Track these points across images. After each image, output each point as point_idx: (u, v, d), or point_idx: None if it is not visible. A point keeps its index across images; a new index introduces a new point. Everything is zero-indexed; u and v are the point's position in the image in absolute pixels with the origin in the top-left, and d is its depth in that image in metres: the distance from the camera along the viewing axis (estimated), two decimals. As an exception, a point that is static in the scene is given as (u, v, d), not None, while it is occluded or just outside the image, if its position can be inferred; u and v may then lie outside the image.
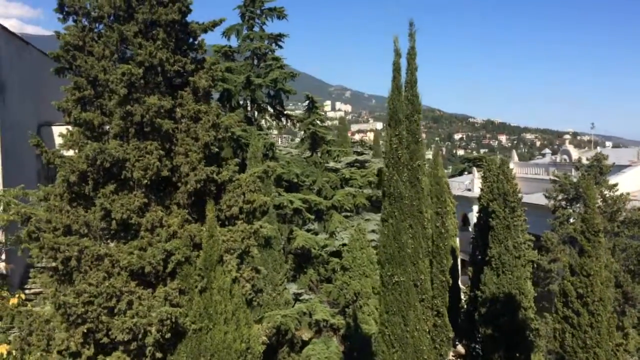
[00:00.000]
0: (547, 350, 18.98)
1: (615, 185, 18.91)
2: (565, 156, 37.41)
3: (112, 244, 14.08)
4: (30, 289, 23.85)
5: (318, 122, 26.26)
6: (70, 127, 14.44)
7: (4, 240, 22.14)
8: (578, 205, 18.51)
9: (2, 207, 21.46)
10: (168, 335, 12.72)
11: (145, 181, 13.29)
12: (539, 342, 19.23)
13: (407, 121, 12.95)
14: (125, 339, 12.67)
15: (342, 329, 22.68)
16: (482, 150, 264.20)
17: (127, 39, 13.20)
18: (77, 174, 13.48)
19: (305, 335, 23.09)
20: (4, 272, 21.52)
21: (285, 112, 26.59)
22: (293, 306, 22.62)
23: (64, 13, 13.72)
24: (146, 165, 13.18)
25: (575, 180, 19.01)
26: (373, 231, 27.75)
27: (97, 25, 13.95)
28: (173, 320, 12.44)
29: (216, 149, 14.43)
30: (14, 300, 18.52)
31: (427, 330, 12.85)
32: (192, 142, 13.87)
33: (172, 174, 13.95)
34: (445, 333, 15.31)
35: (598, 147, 47.00)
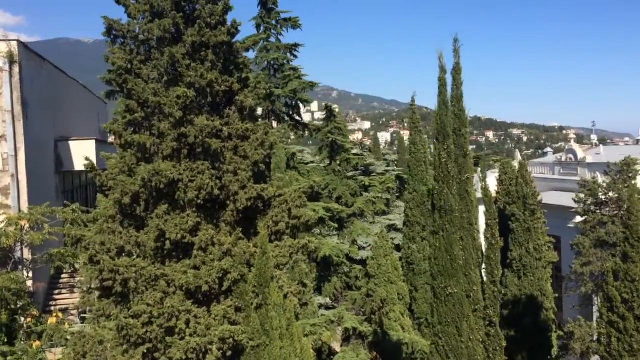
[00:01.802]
0: (581, 353, 19.43)
1: (644, 188, 19.42)
2: (570, 155, 38.06)
3: (161, 264, 14.25)
4: (55, 305, 23.91)
5: (337, 130, 26.58)
6: (117, 149, 14.60)
7: (30, 258, 22.14)
8: (607, 209, 19.03)
9: (27, 224, 21.47)
10: (229, 354, 12.92)
11: (199, 201, 13.48)
12: (573, 344, 19.68)
13: (454, 135, 13.27)
14: (185, 359, 12.86)
15: (370, 336, 22.98)
16: (470, 147, 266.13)
17: (178, 61, 13.35)
18: (130, 196, 13.64)
19: (334, 344, 23.36)
20: (32, 290, 21.53)
21: (303, 122, 26.89)
22: (319, 316, 22.88)
23: (112, 36, 13.86)
24: (200, 186, 13.36)
25: (604, 184, 19.50)
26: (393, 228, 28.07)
27: (143, 48, 14.09)
28: (235, 338, 12.62)
29: (263, 166, 14.64)
30: (52, 320, 18.64)
31: (481, 340, 13.22)
32: (240, 161, 14.07)
33: (221, 192, 14.14)
34: (498, 342, 15.68)
35: (601, 145, 47.78)
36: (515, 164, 33.99)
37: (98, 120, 44.14)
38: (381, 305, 23.11)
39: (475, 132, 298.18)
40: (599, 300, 14.51)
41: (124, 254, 13.84)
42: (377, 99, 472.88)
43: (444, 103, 13.19)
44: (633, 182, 18.69)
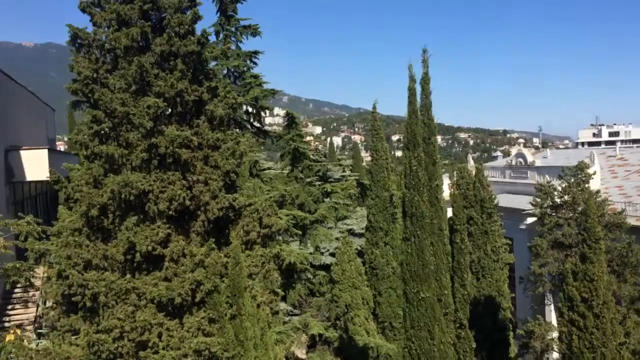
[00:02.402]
0: (541, 351, 20.16)
1: (599, 191, 20.39)
2: (520, 159, 39.45)
3: (131, 277, 13.96)
4: (9, 320, 22.96)
5: (298, 137, 26.66)
6: (83, 160, 14.23)
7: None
8: (563, 211, 19.86)
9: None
10: (204, 366, 12.78)
11: (170, 212, 13.31)
12: (533, 342, 20.39)
13: (424, 143, 13.58)
14: (158, 372, 12.65)
15: (335, 341, 23.13)
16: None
17: (146, 70, 13.16)
18: (98, 208, 13.34)
19: (299, 351, 23.38)
20: (-15, 305, 20.65)
21: (264, 129, 26.86)
22: (284, 323, 22.86)
23: (77, 45, 13.53)
24: (171, 196, 13.21)
25: (560, 187, 20.32)
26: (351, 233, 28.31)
27: (109, 56, 13.82)
28: (210, 350, 12.51)
29: (235, 176, 14.59)
30: (10, 336, 17.95)
31: (452, 342, 13.55)
32: (211, 171, 13.98)
33: (191, 202, 14.00)
34: (468, 344, 16.10)
35: (547, 149, 49.72)
36: (470, 168, 35.04)
37: (47, 129, 42.72)
38: (346, 310, 23.31)
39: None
40: (560, 300, 15.05)
41: (91, 268, 13.49)
42: (328, 104, 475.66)
43: (414, 112, 13.50)
44: (586, 185, 19.64)
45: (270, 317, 15.49)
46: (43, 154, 28.02)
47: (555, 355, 19.73)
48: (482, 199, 24.44)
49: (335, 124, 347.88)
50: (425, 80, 13.56)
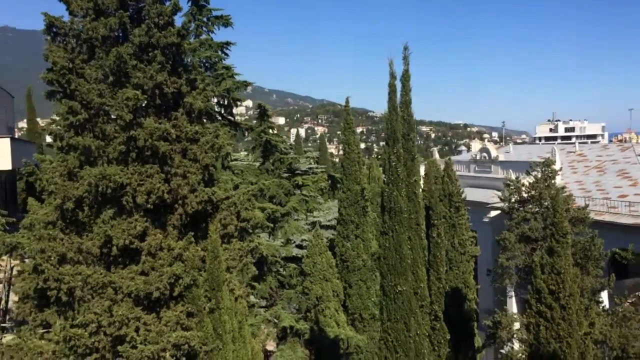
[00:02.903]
0: (507, 339, 20.81)
1: (564, 187, 21.07)
2: (485, 154, 40.32)
3: (106, 271, 13.78)
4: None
5: (270, 130, 26.60)
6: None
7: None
8: (530, 206, 20.47)
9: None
10: (183, 360, 12.76)
11: (148, 205, 13.18)
12: (500, 332, 21.00)
13: (403, 140, 13.78)
14: (136, 367, 12.56)
15: (306, 333, 23.28)
16: (381, 144, 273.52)
17: (125, 61, 12.94)
18: (73, 201, 13.10)
19: (269, 344, 23.48)
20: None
21: (235, 121, 26.63)
22: (255, 315, 22.89)
23: (52, 34, 13.19)
24: (150, 190, 13.07)
25: (527, 183, 20.92)
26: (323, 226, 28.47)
27: (86, 46, 13.52)
28: (190, 344, 12.49)
29: (214, 169, 14.52)
30: (-25, 332, 17.48)
31: (427, 334, 13.86)
32: (190, 164, 13.88)
33: (169, 195, 13.88)
34: (442, 335, 16.45)
35: (510, 144, 50.96)
36: (438, 162, 35.69)
37: (5, 116, 41.33)
38: (317, 302, 23.47)
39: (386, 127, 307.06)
40: (529, 292, 15.57)
41: (66, 262, 13.25)
42: (291, 95, 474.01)
43: (394, 109, 13.68)
44: (552, 181, 20.29)
45: (247, 310, 15.55)
46: (4, 142, 27.21)
47: (517, 345, 20.46)
48: (450, 193, 24.95)
49: (298, 115, 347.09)
50: (406, 77, 13.77)
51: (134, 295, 12.97)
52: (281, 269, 25.76)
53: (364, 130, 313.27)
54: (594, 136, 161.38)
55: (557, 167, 25.94)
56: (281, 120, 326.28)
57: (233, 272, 14.56)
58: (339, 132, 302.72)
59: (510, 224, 20.72)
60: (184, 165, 13.79)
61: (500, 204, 30.98)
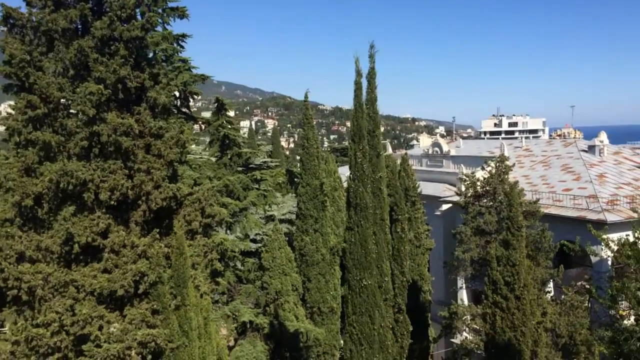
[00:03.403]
0: (463, 329, 21.50)
1: (517, 182, 21.85)
2: (437, 148, 41.30)
3: (67, 269, 13.46)
4: None
5: (228, 124, 26.37)
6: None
7: None
8: (484, 200, 21.19)
9: None
10: (149, 358, 12.64)
11: (112, 202, 12.94)
12: (456, 323, 21.71)
13: (368, 136, 14.02)
14: (100, 366, 12.37)
15: (266, 328, 23.35)
16: (331, 137, 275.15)
17: (87, 55, 12.63)
18: (32, 197, 12.72)
19: (228, 338, 23.40)
20: None
21: (192, 115, 26.28)
22: (215, 311, 22.78)
23: (9, 25, 12.71)
24: (113, 186, 12.84)
25: (482, 178, 21.62)
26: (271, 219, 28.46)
27: (45, 39, 13.10)
28: (156, 342, 12.38)
29: (178, 165, 14.37)
30: None
31: (391, 326, 14.21)
32: (154, 160, 13.70)
33: (132, 192, 13.65)
34: (405, 327, 16.86)
35: (460, 139, 52.34)
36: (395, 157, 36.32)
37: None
38: (276, 296, 23.57)
39: (336, 122, 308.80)
40: (485, 283, 16.18)
41: (24, 260, 12.86)
42: (241, 87, 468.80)
43: (360, 106, 13.89)
44: (506, 176, 21.08)
45: (211, 306, 15.51)
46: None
47: (468, 335, 21.24)
48: (407, 188, 25.49)
49: (248, 108, 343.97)
50: (372, 74, 13.99)
51: (97, 294, 12.76)
52: (239, 264, 25.70)
53: (315, 123, 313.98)
54: (535, 131, 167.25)
55: (507, 162, 26.94)
56: (230, 114, 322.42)
57: (198, 268, 14.49)
58: (289, 125, 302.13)
59: (466, 218, 21.40)
60: (147, 161, 13.60)
61: (453, 198, 31.92)
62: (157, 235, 13.50)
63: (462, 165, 35.08)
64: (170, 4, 25.67)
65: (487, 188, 21.04)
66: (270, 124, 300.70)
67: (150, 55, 14.51)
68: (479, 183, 21.44)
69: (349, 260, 13.96)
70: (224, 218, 15.00)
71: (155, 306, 13.19)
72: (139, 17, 14.68)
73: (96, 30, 12.90)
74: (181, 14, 26.39)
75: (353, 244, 13.77)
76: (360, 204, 13.69)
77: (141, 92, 13.90)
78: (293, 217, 30.26)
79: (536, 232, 20.13)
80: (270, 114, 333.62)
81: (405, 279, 17.17)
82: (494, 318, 15.93)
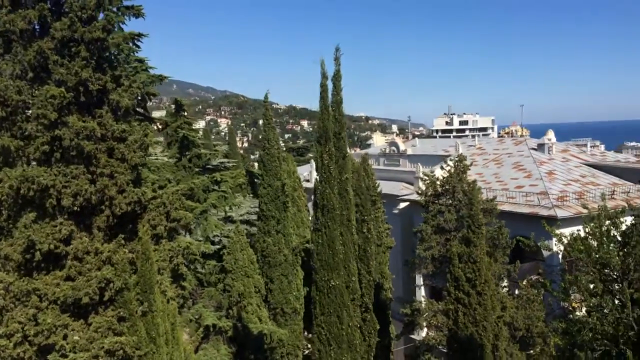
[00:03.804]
0: (426, 325, 21.96)
1: (475, 181, 22.44)
2: (393, 147, 41.93)
3: (28, 277, 13.05)
4: None
5: (186, 125, 26.02)
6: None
7: None
8: (444, 199, 21.69)
9: None
10: (117, 366, 12.41)
11: (75, 208, 12.63)
12: (419, 319, 22.13)
13: (334, 138, 14.13)
14: (65, 376, 12.08)
15: (229, 331, 23.19)
16: (286, 136, 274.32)
17: (47, 57, 12.28)
18: (-10, 204, 12.29)
19: (191, 342, 23.15)
20: None
21: (150, 116, 25.80)
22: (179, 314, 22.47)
23: (-38, 25, 12.23)
24: (76, 191, 12.54)
25: (441, 177, 22.11)
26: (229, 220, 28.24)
27: (2, 40, 12.66)
28: (125, 349, 12.17)
29: (142, 168, 14.14)
30: None
31: (358, 325, 14.39)
32: (118, 164, 13.44)
33: (95, 197, 13.36)
34: (372, 326, 17.08)
35: (416, 138, 53.28)
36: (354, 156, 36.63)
37: None
38: (239, 299, 23.43)
39: (291, 121, 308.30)
40: (447, 280, 16.59)
41: (-18, 269, 12.42)
42: (193, 86, 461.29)
43: (326, 108, 13.99)
44: (464, 175, 21.64)
45: (177, 311, 15.33)
46: None
47: (426, 332, 21.73)
48: (368, 187, 25.78)
49: (200, 107, 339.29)
50: (337, 77, 14.11)
51: (61, 302, 12.44)
52: (199, 267, 25.43)
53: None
54: (485, 129, 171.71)
55: (466, 161, 27.63)
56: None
57: (164, 273, 14.32)
58: (242, 124, 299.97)
59: (426, 217, 21.85)
60: (111, 165, 13.33)
61: (411, 196, 32.50)
62: (122, 241, 13.24)
63: (419, 164, 35.78)
64: (125, 3, 25.39)
65: (447, 187, 21.54)
66: (223, 123, 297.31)
67: (112, 56, 14.17)
68: (438, 182, 21.93)
69: (317, 261, 14.06)
70: (189, 222, 14.84)
71: (121, 313, 12.96)
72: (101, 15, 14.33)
73: (56, 32, 12.57)
74: (136, 12, 25.82)
75: (321, 245, 13.88)
76: (327, 206, 13.82)
77: (102, 95, 13.59)
78: (252, 217, 30.18)
79: (494, 229, 20.76)
80: (223, 113, 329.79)
81: (371, 279, 17.44)
82: (456, 314, 16.35)
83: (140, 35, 25.75)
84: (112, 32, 13.50)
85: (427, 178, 22.36)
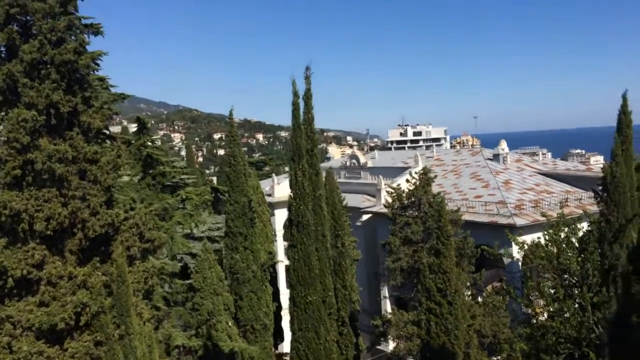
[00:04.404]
0: (397, 336, 22.26)
1: (439, 193, 22.99)
2: (354, 160, 42.49)
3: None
4: None
5: (150, 143, 25.73)
6: None
7: None
8: (410, 211, 22.17)
9: None
10: (95, 392, 12.20)
11: (48, 232, 12.42)
12: (390, 330, 22.43)
13: (307, 155, 14.35)
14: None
15: (199, 350, 22.95)
16: (244, 149, 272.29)
17: (17, 80, 12.09)
18: (-41, 231, 11.96)
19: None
20: None
21: (112, 135, 25.39)
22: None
23: None
24: (49, 215, 12.33)
25: (407, 190, 22.59)
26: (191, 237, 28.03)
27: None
28: (104, 375, 11.99)
29: (115, 190, 14.01)
30: None
31: (335, 339, 14.54)
32: (90, 186, 13.29)
33: (67, 220, 13.16)
34: (349, 339, 17.24)
35: (375, 151, 54.06)
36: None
37: None
38: (208, 317, 23.27)
39: (246, 134, 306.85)
40: (419, 290, 16.98)
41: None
42: (144, 100, 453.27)
43: (298, 126, 14.23)
44: (429, 187, 22.21)
45: (153, 333, 15.16)
46: None
47: (393, 344, 22.08)
48: (334, 201, 26.09)
49: (153, 122, 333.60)
50: (308, 95, 14.38)
51: (36, 329, 12.17)
52: (167, 286, 25.13)
53: (223, 136, 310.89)
54: (438, 139, 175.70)
55: (418, 169, 28.28)
56: (134, 128, 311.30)
57: (139, 295, 14.17)
58: (197, 139, 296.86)
59: (394, 229, 22.28)
60: (83, 188, 13.17)
61: (373, 208, 33.00)
62: (98, 264, 13.08)
63: (380, 176, 36.35)
64: (84, 21, 25.07)
65: (413, 199, 22.06)
66: (177, 138, 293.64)
67: (81, 77, 14.03)
68: (404, 194, 22.42)
69: (293, 277, 14.21)
70: (164, 242, 14.76)
71: (98, 337, 12.77)
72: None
73: (25, 54, 12.41)
74: (95, 30, 25.72)
75: (297, 262, 14.05)
76: (302, 222, 14.01)
77: (72, 117, 13.45)
78: (213, 234, 30.02)
79: (459, 239, 21.36)
80: (176, 127, 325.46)
81: (347, 292, 17.69)
82: (428, 324, 16.73)
83: (100, 53, 25.56)
84: (84, 54, 13.36)
85: (393, 191, 22.84)
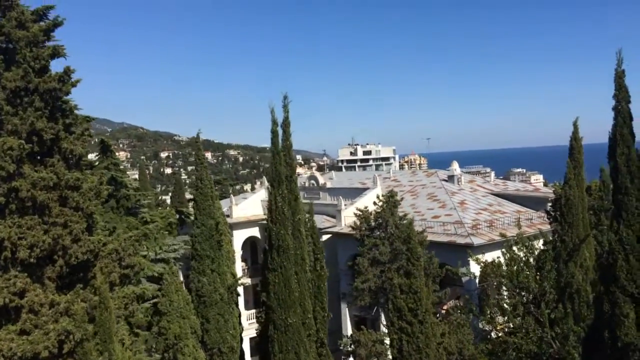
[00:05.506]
0: (366, 356, 22.65)
1: (406, 214, 23.78)
2: (313, 181, 43.05)
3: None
4: None
5: (114, 166, 25.45)
6: None
7: None
8: (377, 232, 22.81)
9: None
10: (79, 422, 12.11)
11: (31, 260, 12.34)
12: (360, 350, 22.81)
13: (286, 181, 14.77)
14: None
15: (166, 374, 22.69)
16: (189, 168, 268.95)
17: (1, 108, 12.07)
18: (-61, 260, 11.73)
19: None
20: None
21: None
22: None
23: None
24: (33, 243, 12.27)
25: (374, 212, 23.27)
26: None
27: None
28: (90, 403, 11.94)
29: (96, 217, 14.02)
30: None
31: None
32: (71, 213, 13.28)
33: (50, 247, 13.10)
34: (328, 359, 17.54)
35: (333, 172, 54.78)
36: (264, 191, 37.10)
37: None
38: (175, 341, 23.08)
39: (193, 152, 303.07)
40: (390, 310, 17.56)
41: None
42: (87, 118, 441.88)
43: (278, 153, 14.67)
44: (395, 209, 22.97)
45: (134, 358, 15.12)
46: None
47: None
48: (313, 225, 26.47)
49: (96, 140, 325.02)
50: (286, 124, 14.87)
51: (18, 357, 12.00)
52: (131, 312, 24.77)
53: (170, 154, 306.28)
54: (387, 158, 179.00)
55: (377, 192, 29.07)
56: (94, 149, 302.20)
57: (120, 321, 14.15)
58: (143, 157, 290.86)
59: (362, 250, 22.88)
60: (64, 215, 13.15)
61: (333, 229, 33.60)
62: (81, 291, 13.04)
63: (340, 197, 37.00)
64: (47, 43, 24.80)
65: (380, 221, 22.76)
66: (122, 156, 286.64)
67: (63, 104, 14.06)
68: (372, 217, 23.11)
69: (274, 300, 14.54)
70: (143, 267, 14.81)
71: (80, 365, 12.68)
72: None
73: (8, 82, 12.43)
74: (57, 53, 25.50)
75: (277, 285, 14.39)
76: (282, 246, 14.40)
77: (53, 143, 13.45)
78: (171, 256, 29.81)
79: (424, 259, 22.16)
80: (121, 145, 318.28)
81: (325, 314, 18.07)
82: (400, 343, 17.33)
83: (79, 80, 25.30)
84: (68, 82, 13.43)
85: (361, 213, 23.49)
